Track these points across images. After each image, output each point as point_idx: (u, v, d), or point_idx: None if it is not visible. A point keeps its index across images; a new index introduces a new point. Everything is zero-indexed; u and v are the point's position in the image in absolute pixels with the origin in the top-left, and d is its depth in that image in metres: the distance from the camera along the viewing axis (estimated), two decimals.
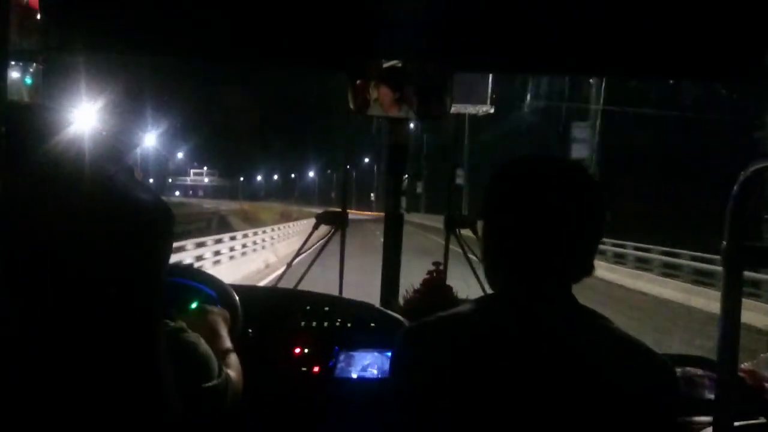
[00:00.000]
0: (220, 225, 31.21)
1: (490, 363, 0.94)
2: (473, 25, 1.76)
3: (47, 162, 0.71)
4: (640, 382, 0.94)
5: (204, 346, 1.06)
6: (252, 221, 33.18)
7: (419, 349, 1.01)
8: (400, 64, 1.89)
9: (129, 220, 0.76)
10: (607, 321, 0.99)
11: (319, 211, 2.29)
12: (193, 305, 1.60)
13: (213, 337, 1.27)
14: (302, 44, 1.84)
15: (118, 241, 0.74)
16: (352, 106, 1.90)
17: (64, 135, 0.74)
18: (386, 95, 1.91)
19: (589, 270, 0.99)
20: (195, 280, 1.67)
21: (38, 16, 1.71)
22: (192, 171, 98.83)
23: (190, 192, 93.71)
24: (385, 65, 1.90)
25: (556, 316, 0.97)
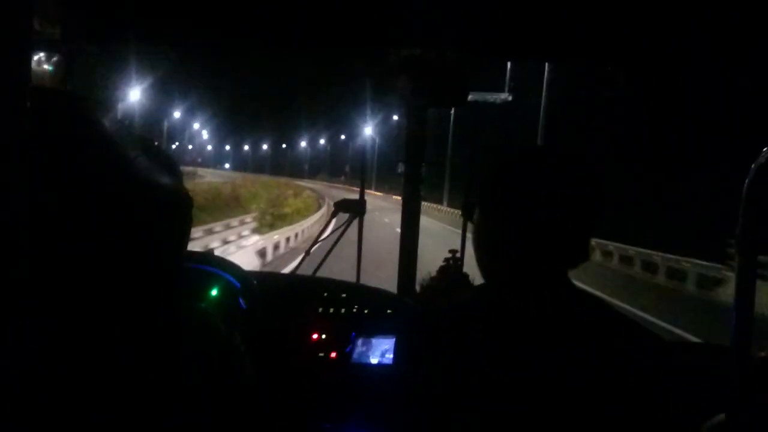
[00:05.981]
0: None
1: (491, 349, 0.97)
2: (490, 13, 1.76)
3: (71, 148, 0.71)
4: (634, 358, 0.96)
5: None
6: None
7: (421, 338, 1.05)
8: (418, 52, 1.90)
9: (148, 205, 0.76)
10: (602, 302, 1.03)
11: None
12: (213, 292, 1.62)
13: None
14: (322, 32, 1.84)
15: (135, 226, 0.74)
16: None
17: (89, 122, 0.74)
18: (405, 83, 1.91)
19: (585, 256, 1.01)
20: (217, 267, 1.70)
21: (60, 7, 1.73)
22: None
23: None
24: (404, 54, 1.90)
25: (554, 300, 0.99)
